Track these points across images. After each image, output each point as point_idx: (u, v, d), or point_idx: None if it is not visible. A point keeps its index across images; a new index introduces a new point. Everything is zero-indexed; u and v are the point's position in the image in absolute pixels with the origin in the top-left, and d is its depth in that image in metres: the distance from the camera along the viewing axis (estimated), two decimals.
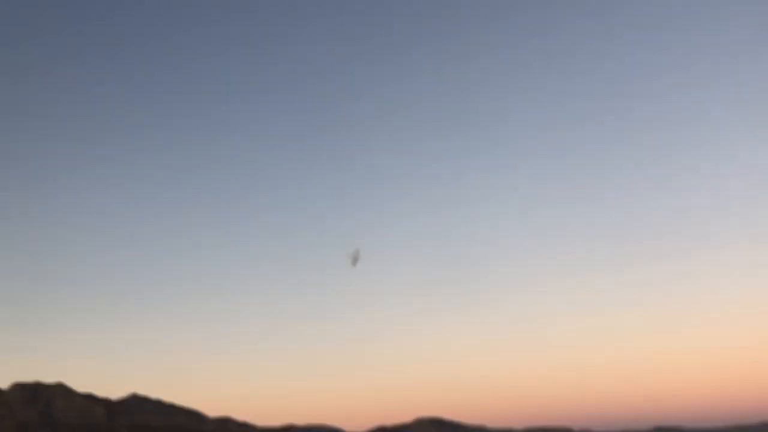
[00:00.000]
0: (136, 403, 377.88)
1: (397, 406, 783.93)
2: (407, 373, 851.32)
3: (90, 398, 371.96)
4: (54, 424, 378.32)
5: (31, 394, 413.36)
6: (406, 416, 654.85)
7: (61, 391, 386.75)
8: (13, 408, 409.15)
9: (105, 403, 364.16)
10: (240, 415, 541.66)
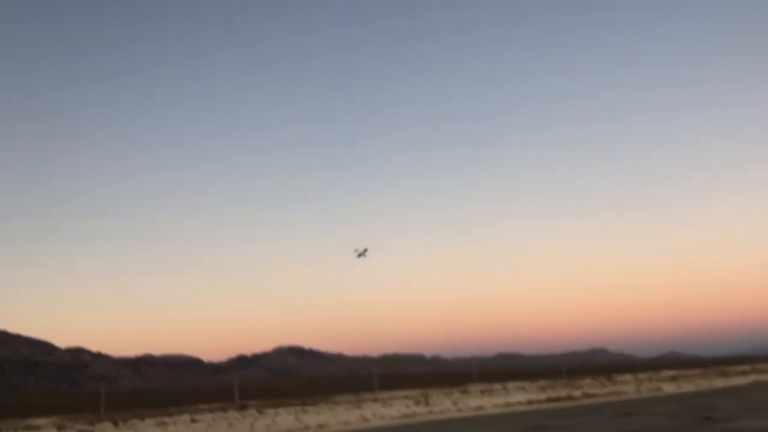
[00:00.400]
0: None
1: (256, 336, 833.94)
2: (267, 303, 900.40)
3: None
4: None
5: None
6: (265, 345, 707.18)
7: None
8: None
9: None
10: (94, 345, 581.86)
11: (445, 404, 53.00)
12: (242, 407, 76.60)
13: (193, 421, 52.84)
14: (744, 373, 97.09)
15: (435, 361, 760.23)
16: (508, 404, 46.83)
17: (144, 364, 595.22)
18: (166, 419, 57.23)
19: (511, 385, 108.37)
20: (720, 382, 65.87)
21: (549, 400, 49.58)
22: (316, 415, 49.58)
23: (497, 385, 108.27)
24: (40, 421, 62.53)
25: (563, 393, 60.73)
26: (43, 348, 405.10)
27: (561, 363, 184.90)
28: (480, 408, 44.81)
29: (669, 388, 60.94)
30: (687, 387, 59.77)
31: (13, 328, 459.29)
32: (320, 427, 35.42)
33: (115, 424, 53.46)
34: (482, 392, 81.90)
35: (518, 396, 61.41)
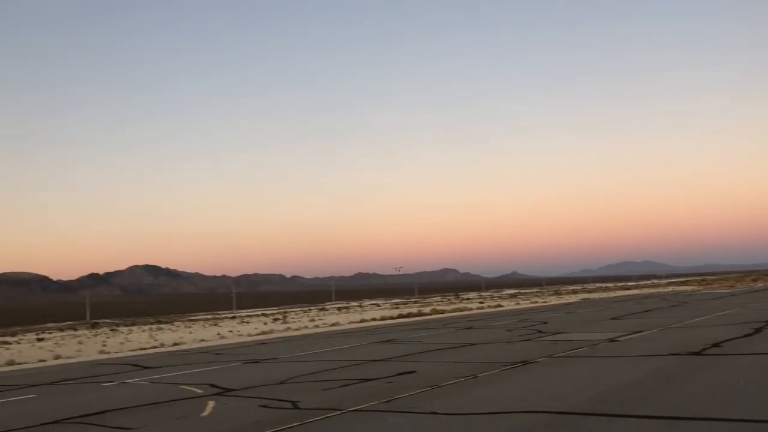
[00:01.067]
0: None
1: (109, 253, 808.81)
2: (121, 221, 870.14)
3: None
4: None
5: None
6: (119, 263, 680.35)
7: None
8: None
9: None
10: None
11: (302, 321, 54.52)
12: (94, 325, 74.38)
13: (39, 339, 50.81)
14: (574, 292, 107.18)
15: (295, 280, 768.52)
16: (363, 320, 49.00)
17: None
18: (9, 339, 54.50)
19: (366, 302, 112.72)
20: (553, 300, 72.39)
21: (401, 316, 52.36)
22: (171, 333, 49.33)
23: (354, 303, 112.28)
24: None
25: (414, 309, 64.34)
26: None
27: (414, 282, 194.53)
28: (336, 324, 46.61)
29: (509, 304, 66.21)
30: (524, 304, 65.22)
31: None
32: (175, 344, 35.43)
33: None
34: (339, 310, 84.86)
35: (373, 313, 64.31)
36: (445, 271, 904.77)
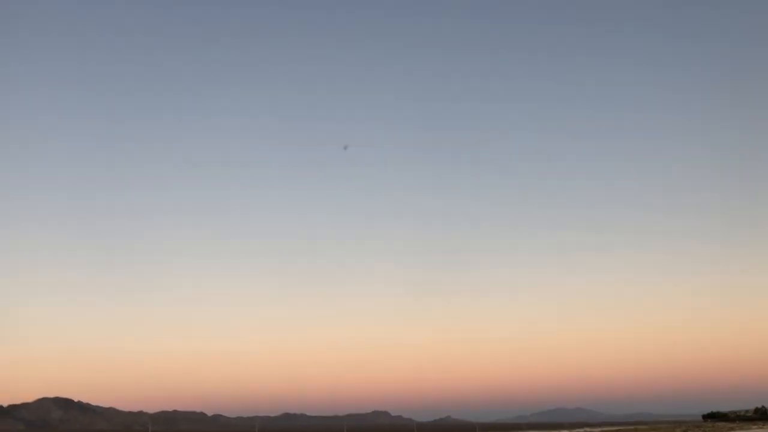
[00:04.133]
0: None
1: (14, 384, 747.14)
2: (29, 350, 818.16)
3: None
4: None
5: None
6: (25, 395, 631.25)
7: None
8: None
9: None
10: None
11: None
12: None
13: None
14: None
15: (217, 419, 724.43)
16: None
17: None
18: None
19: None
20: None
21: None
22: None
23: None
24: None
25: None
26: None
27: (344, 424, 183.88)
28: None
29: None
30: None
31: None
32: None
33: None
34: None
35: None
36: (376, 413, 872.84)
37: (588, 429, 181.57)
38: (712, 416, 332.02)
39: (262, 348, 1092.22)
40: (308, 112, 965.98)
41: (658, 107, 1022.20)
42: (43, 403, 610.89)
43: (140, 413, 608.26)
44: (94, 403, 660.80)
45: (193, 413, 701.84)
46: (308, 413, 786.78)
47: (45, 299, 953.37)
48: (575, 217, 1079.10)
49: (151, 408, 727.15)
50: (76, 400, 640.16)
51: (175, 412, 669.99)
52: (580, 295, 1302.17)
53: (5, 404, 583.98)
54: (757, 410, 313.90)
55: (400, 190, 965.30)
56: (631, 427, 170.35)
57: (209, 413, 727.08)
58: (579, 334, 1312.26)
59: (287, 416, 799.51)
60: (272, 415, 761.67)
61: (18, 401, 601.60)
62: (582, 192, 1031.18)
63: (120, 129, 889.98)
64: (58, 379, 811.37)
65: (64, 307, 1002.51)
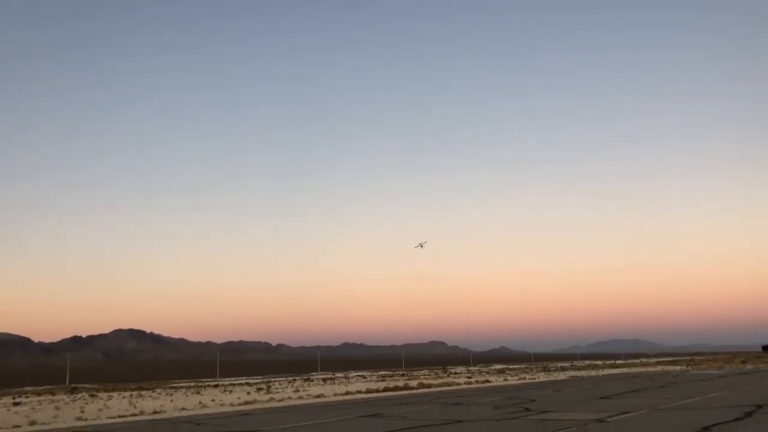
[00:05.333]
0: None
1: (93, 317, 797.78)
2: (107, 284, 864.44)
3: None
4: None
5: None
6: (103, 327, 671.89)
7: None
8: None
9: None
10: None
11: (286, 392, 53.43)
12: (73, 390, 72.52)
13: (15, 404, 49.42)
14: (563, 369, 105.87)
15: (280, 348, 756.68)
16: (348, 393, 48.10)
17: None
18: None
19: (352, 374, 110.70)
20: (542, 377, 71.42)
21: (387, 389, 51.45)
22: (152, 400, 48.15)
23: (339, 374, 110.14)
24: None
25: (400, 383, 63.25)
26: None
27: (402, 354, 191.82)
28: (320, 396, 45.67)
29: (497, 380, 65.24)
30: (513, 380, 64.28)
31: None
32: (155, 413, 34.57)
33: None
34: (324, 381, 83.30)
35: (358, 385, 63.15)
36: (433, 344, 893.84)
37: (644, 359, 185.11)
38: None
39: (325, 282, 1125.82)
40: None
41: None
42: (118, 334, 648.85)
43: (208, 343, 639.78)
44: (165, 334, 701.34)
45: (258, 343, 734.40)
46: (367, 343, 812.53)
47: (121, 240, 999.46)
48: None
49: (219, 338, 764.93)
50: (148, 332, 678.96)
51: (240, 342, 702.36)
52: (638, 229, 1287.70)
53: (84, 335, 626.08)
54: None
55: None
56: (688, 358, 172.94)
57: (273, 343, 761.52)
58: (636, 266, 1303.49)
59: (347, 346, 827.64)
60: (333, 344, 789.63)
61: (96, 332, 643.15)
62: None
63: None
64: (133, 312, 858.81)
65: (141, 247, 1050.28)
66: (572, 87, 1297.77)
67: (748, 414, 22.05)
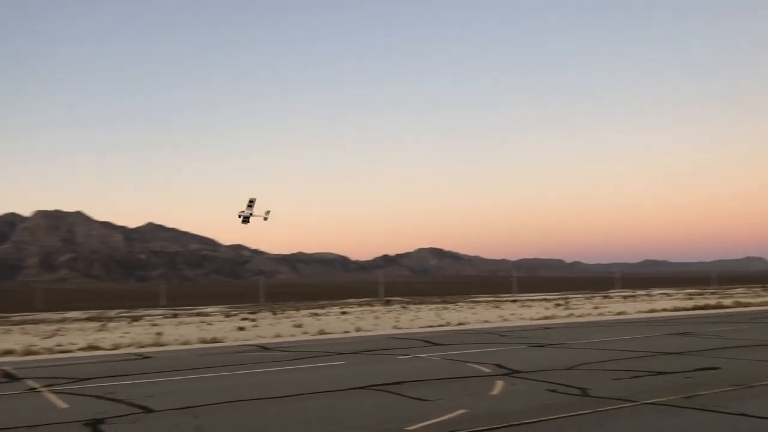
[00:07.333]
0: (152, 230, 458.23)
1: (399, 237, 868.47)
2: (410, 206, 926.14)
3: (108, 226, 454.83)
4: (76, 249, 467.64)
5: (53, 221, 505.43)
6: (407, 246, 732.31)
7: (80, 218, 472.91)
8: (37, 234, 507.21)
9: (123, 230, 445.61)
10: (252, 243, 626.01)
11: (585, 308, 52.92)
12: (387, 302, 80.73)
13: (343, 313, 56.70)
14: None
15: (575, 266, 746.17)
16: (653, 310, 45.96)
17: (297, 261, 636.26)
18: (319, 311, 61.67)
19: (655, 292, 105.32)
20: None
21: (696, 307, 48.01)
22: (456, 312, 51.45)
23: (640, 292, 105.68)
24: (210, 309, 69.24)
25: (712, 301, 58.42)
26: (210, 245, 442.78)
27: (711, 270, 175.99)
28: (622, 313, 44.39)
29: None
30: None
31: (184, 227, 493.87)
32: (460, 324, 36.86)
33: (274, 313, 58.21)
34: (624, 298, 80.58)
35: (663, 303, 59.85)
36: (749, 259, 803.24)
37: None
38: None
39: (615, 194, 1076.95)
40: None
41: None
42: (421, 253, 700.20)
43: (503, 261, 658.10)
44: (462, 252, 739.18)
45: (552, 260, 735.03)
46: (671, 260, 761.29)
47: (420, 164, 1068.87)
48: None
49: (513, 256, 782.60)
50: (447, 250, 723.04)
51: (535, 259, 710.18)
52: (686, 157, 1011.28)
53: (393, 254, 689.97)
54: None
55: None
56: None
57: (567, 260, 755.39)
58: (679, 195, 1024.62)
59: (648, 263, 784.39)
60: (632, 261, 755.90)
61: (402, 251, 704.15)
62: None
63: None
64: (433, 233, 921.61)
65: (434, 170, 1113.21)
66: None
67: None
